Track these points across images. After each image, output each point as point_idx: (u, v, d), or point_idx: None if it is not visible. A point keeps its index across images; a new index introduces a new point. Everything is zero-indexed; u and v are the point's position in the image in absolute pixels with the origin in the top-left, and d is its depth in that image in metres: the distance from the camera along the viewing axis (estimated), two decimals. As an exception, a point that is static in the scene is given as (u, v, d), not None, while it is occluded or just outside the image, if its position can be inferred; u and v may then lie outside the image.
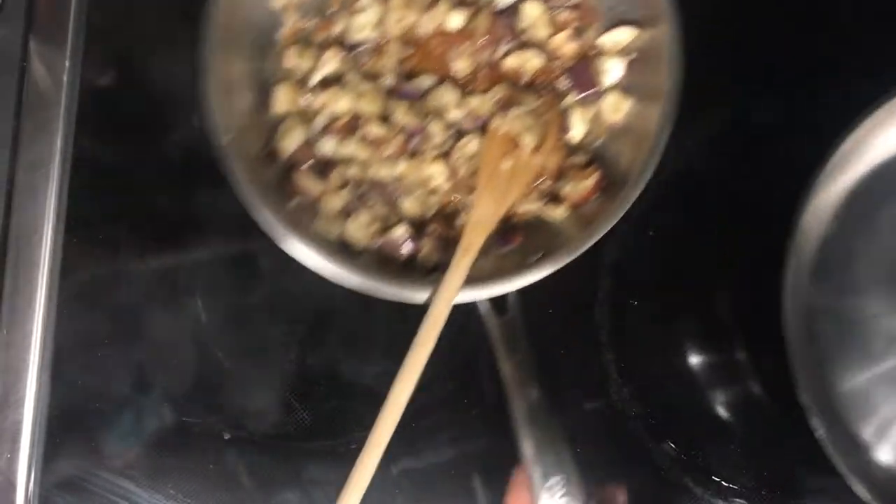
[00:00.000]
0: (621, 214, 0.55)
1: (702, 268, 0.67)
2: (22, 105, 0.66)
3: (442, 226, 0.58)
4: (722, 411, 0.66)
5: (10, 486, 0.63)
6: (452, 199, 0.59)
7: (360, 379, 0.66)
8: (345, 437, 0.65)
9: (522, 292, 0.55)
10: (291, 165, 0.58)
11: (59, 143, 0.67)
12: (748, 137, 0.68)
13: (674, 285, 0.67)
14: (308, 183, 0.58)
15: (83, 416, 0.65)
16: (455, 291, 0.53)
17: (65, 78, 0.67)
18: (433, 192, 0.59)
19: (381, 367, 0.66)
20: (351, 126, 0.58)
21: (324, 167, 0.59)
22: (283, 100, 0.58)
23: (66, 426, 0.65)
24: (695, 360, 0.67)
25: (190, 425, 0.65)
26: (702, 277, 0.67)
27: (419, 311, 0.66)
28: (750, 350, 0.67)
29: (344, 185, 0.58)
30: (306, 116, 0.59)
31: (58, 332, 0.65)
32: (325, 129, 0.58)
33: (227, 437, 0.65)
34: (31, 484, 0.64)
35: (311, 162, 0.58)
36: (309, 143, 0.58)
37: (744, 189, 0.68)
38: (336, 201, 0.58)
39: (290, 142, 0.58)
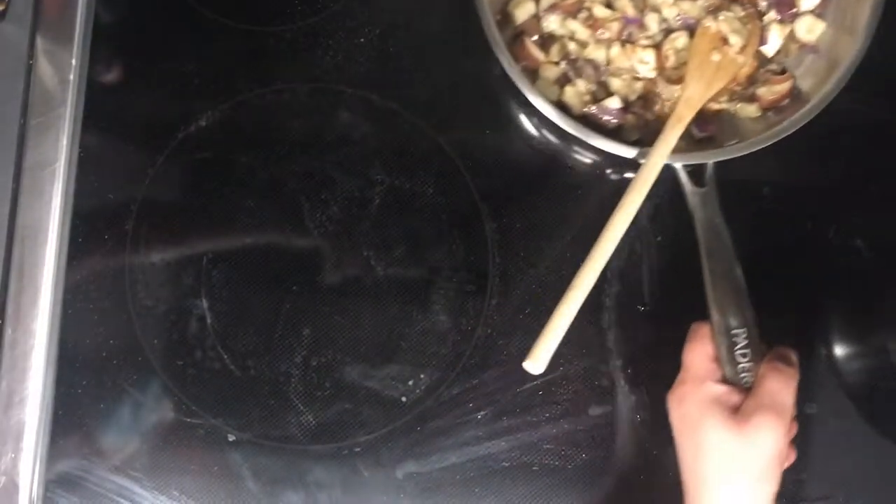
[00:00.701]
0: (801, 125, 0.61)
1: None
2: (28, 104, 0.66)
3: (642, 109, 0.66)
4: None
5: (14, 485, 0.63)
6: (654, 86, 0.66)
7: (365, 382, 0.65)
8: (349, 440, 0.65)
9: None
10: (520, 34, 0.67)
11: (65, 142, 0.66)
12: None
13: (681, 291, 0.66)
14: (533, 51, 0.66)
15: (87, 417, 0.65)
16: (667, 150, 0.61)
17: (71, 77, 0.67)
18: (638, 78, 0.66)
19: (387, 370, 0.66)
20: (575, 7, 0.66)
21: (546, 40, 0.67)
22: None
23: (70, 426, 0.65)
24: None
25: (194, 426, 0.65)
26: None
27: (427, 324, 0.66)
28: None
29: (562, 58, 0.66)
30: None
31: (62, 332, 0.65)
32: (552, 7, 0.66)
33: (231, 438, 0.65)
34: (35, 484, 0.64)
35: (536, 36, 0.66)
36: (537, 18, 0.67)
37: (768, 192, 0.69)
38: (554, 71, 0.66)
39: (522, 12, 0.66)
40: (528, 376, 0.65)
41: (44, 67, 0.67)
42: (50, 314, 0.65)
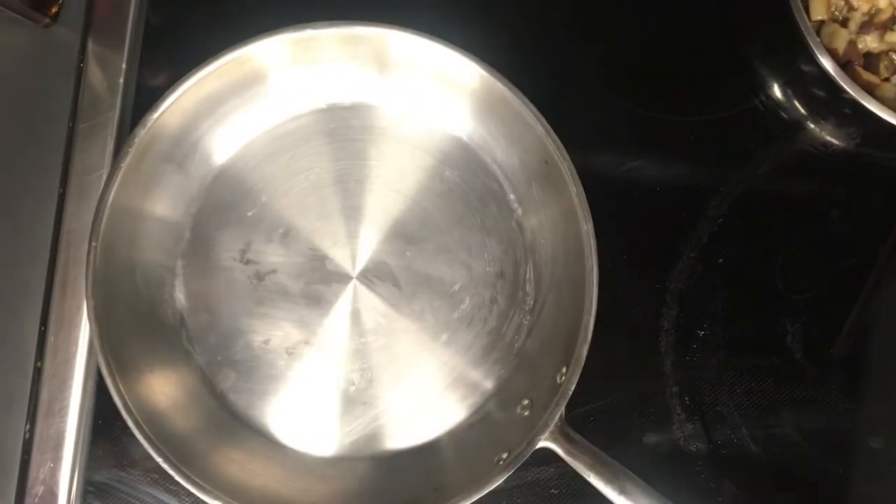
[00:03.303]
0: None
1: (773, 298, 0.64)
2: (78, 108, 0.66)
3: None
4: (787, 451, 0.63)
5: (52, 495, 0.62)
6: None
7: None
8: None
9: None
10: (846, 63, 0.65)
11: (112, 147, 0.66)
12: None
13: (743, 315, 0.64)
14: (866, 76, 0.65)
15: (126, 427, 0.64)
16: None
17: (121, 81, 0.67)
18: None
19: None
20: (890, 19, 0.66)
21: (871, 61, 0.66)
22: (818, 9, 0.66)
23: (109, 436, 0.64)
24: (763, 394, 0.64)
25: (235, 440, 0.63)
26: (773, 308, 0.64)
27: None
28: (820, 385, 0.64)
29: (892, 73, 0.65)
30: (838, 20, 0.67)
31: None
32: (865, 27, 0.66)
33: (272, 453, 0.63)
34: (73, 494, 0.63)
35: (860, 60, 0.66)
36: (851, 43, 0.66)
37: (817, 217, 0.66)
38: (890, 88, 0.65)
39: (840, 42, 0.65)
40: (578, 400, 0.63)
41: (93, 71, 0.66)
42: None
